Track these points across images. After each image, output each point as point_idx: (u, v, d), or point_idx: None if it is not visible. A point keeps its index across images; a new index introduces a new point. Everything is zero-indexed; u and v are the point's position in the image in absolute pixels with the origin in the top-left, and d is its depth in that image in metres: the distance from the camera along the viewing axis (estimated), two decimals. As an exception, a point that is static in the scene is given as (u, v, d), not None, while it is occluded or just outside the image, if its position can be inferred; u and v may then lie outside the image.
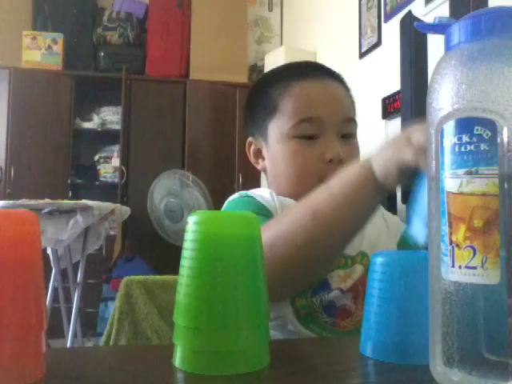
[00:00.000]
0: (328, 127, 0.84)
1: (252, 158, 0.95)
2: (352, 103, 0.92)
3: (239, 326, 0.44)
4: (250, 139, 0.95)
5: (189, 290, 0.44)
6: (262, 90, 0.91)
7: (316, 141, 0.85)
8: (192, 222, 0.45)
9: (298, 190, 0.83)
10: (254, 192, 0.88)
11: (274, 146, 0.88)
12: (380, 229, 0.90)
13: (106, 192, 3.76)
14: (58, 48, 3.81)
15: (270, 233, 0.63)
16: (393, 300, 0.48)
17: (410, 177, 0.57)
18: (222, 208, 0.86)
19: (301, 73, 0.89)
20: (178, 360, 0.45)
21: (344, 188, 0.62)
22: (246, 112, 0.96)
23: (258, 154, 0.94)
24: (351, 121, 0.88)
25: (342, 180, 0.63)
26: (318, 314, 0.79)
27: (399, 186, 0.61)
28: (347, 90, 0.93)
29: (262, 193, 0.87)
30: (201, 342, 0.44)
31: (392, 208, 2.03)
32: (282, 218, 0.69)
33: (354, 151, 0.88)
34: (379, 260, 0.50)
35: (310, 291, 0.79)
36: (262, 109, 0.90)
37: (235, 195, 0.89)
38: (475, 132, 0.36)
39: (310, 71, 0.89)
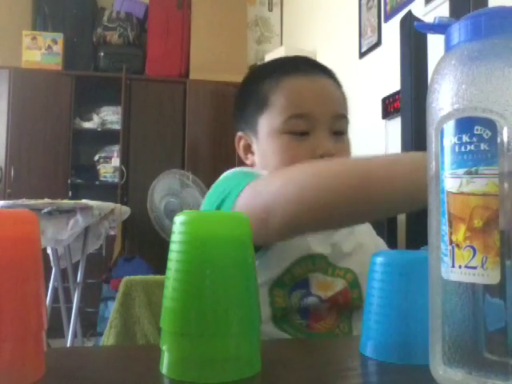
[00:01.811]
0: (319, 123, 0.84)
1: (241, 153, 0.94)
2: (344, 100, 0.91)
3: (229, 332, 0.42)
4: (239, 134, 0.93)
5: (176, 294, 0.42)
6: (253, 85, 0.90)
7: (307, 137, 0.83)
8: (179, 222, 0.43)
9: None
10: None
11: (264, 141, 0.87)
12: (371, 251, 0.89)
13: (106, 192, 3.76)
14: (58, 48, 3.81)
15: (307, 172, 0.63)
16: (393, 300, 0.48)
17: None
18: (216, 182, 0.83)
19: (292, 68, 0.88)
20: (164, 367, 0.43)
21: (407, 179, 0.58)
22: (236, 107, 0.95)
23: (248, 149, 0.92)
24: (343, 117, 0.87)
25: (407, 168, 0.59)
26: (293, 316, 0.79)
27: None
28: (339, 86, 0.91)
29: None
30: (188, 348, 0.41)
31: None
32: (327, 166, 0.67)
33: (345, 148, 0.87)
34: (379, 260, 0.50)
35: (289, 287, 0.78)
36: (253, 103, 0.89)
37: (232, 170, 0.86)
38: (475, 132, 0.36)
39: (301, 66, 0.89)
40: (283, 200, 0.64)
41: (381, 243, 0.97)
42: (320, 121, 0.83)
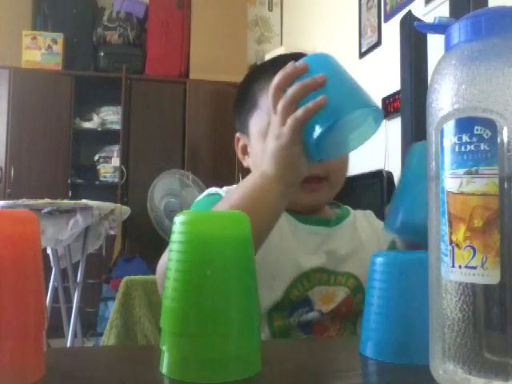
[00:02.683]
0: None
1: (240, 155, 0.91)
2: None
3: (229, 332, 0.42)
4: (237, 135, 0.91)
5: (176, 294, 0.42)
6: (246, 86, 0.88)
7: None
8: (179, 222, 0.43)
9: None
10: (224, 189, 0.83)
11: (254, 144, 0.84)
12: (373, 248, 0.85)
13: (106, 192, 3.76)
14: (58, 48, 3.81)
15: None
16: (393, 300, 0.48)
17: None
18: (191, 207, 0.81)
19: (282, 66, 0.81)
20: (164, 367, 0.43)
21: (248, 198, 0.62)
22: (234, 108, 0.93)
23: (245, 150, 0.90)
24: None
25: (245, 189, 0.64)
26: (294, 332, 0.77)
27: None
28: None
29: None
30: (188, 348, 0.41)
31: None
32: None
33: None
34: (379, 260, 0.50)
35: (289, 308, 0.76)
36: (245, 105, 0.86)
37: (204, 193, 0.83)
38: (475, 132, 0.36)
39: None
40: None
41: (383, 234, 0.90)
42: None
